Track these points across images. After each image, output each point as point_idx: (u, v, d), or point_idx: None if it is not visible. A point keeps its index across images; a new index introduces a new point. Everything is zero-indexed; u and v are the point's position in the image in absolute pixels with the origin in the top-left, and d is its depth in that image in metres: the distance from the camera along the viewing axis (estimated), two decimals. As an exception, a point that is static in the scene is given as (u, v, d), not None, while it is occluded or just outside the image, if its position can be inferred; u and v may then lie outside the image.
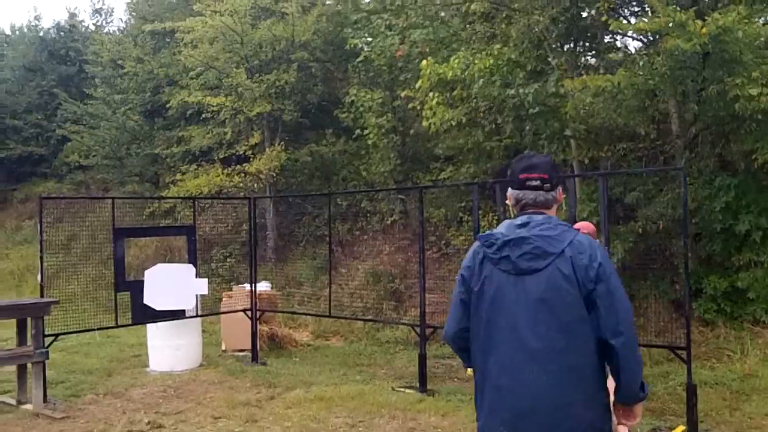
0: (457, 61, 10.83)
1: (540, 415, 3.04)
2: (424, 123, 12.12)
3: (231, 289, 12.45)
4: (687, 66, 9.08)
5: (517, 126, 11.01)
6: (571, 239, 3.11)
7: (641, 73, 9.24)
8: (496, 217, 12.18)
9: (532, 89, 9.88)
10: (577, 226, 6.33)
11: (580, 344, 3.05)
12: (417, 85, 11.93)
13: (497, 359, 3.13)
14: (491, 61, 10.49)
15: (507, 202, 3.41)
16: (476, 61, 10.57)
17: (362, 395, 8.20)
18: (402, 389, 8.56)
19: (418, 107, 12.62)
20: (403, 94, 13.49)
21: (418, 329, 9.04)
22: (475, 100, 11.06)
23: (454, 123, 11.41)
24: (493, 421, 3.14)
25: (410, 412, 7.56)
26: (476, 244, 3.30)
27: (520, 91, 10.11)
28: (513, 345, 3.09)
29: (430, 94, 11.78)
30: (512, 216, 3.35)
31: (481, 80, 10.39)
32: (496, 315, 3.14)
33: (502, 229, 3.24)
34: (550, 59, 11.12)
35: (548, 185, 3.27)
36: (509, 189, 3.36)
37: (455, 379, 9.27)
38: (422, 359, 8.65)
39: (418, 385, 8.56)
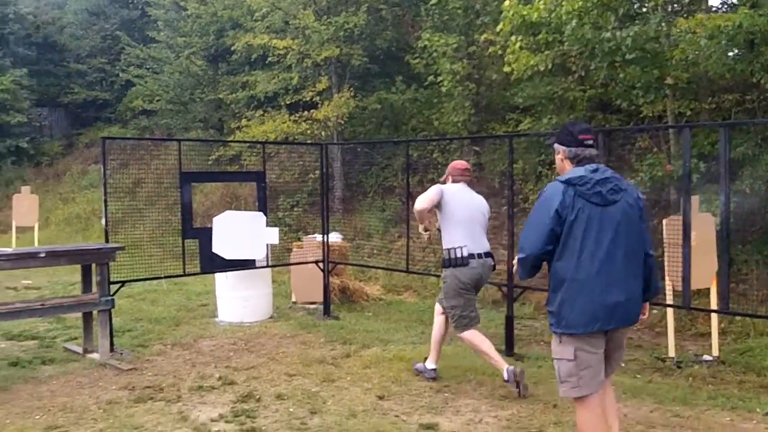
0: (542, 2, 10.10)
1: (631, 301, 4.31)
2: (506, 68, 11.44)
3: (299, 239, 12.01)
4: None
5: (610, 73, 10.23)
6: (624, 180, 4.44)
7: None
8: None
9: (631, 32, 9.10)
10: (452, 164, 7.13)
11: (639, 252, 4.37)
12: (498, 28, 11.24)
13: (590, 269, 4.20)
14: (580, 3, 9.73)
15: (558, 156, 4.53)
16: (564, 3, 9.83)
17: (444, 357, 7.65)
18: (486, 352, 8.02)
19: (499, 52, 11.93)
20: (482, 38, 12.80)
21: (504, 289, 8.47)
22: (565, 44, 10.30)
23: (542, 68, 10.68)
24: (594, 316, 4.20)
25: (498, 377, 6.98)
26: (559, 186, 4.28)
27: (617, 34, 9.36)
28: (604, 257, 4.21)
29: (512, 38, 11.07)
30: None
31: (574, 21, 9.65)
32: (588, 237, 4.22)
33: (581, 172, 4.31)
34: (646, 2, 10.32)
35: (595, 144, 4.53)
36: (564, 146, 4.48)
37: (541, 343, 8.69)
38: (510, 321, 8.08)
39: (504, 348, 8.00)
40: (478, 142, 13.92)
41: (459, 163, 7.14)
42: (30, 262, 7.75)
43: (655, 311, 9.42)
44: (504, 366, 6.51)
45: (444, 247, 6.73)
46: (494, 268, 7.01)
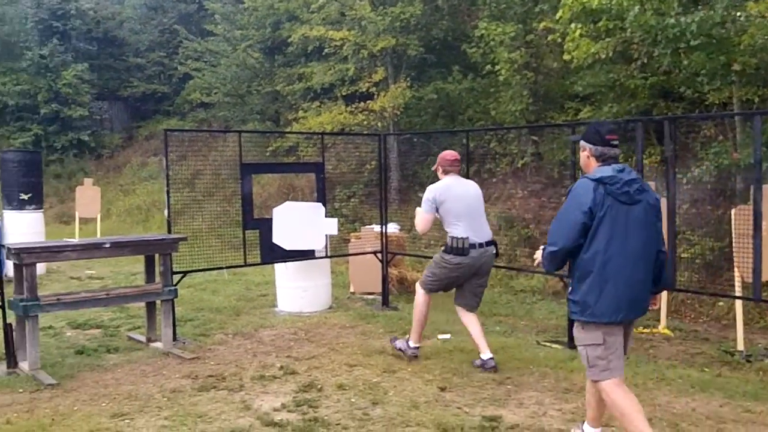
0: (603, -12, 9.91)
1: (645, 291, 4.68)
2: (566, 56, 11.27)
3: (356, 230, 12.01)
4: None
5: (674, 60, 10.00)
6: (644, 182, 4.72)
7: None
8: (654, 158, 11.16)
9: (696, 17, 8.87)
10: (442, 154, 7.30)
11: (654, 249, 4.67)
12: (557, 16, 11.07)
13: (617, 263, 4.50)
14: (643, -11, 9.53)
15: (584, 153, 4.75)
16: (625, -11, 9.63)
17: (506, 348, 7.62)
18: (548, 344, 7.92)
19: (558, 40, 11.75)
20: (541, 26, 12.63)
21: (566, 279, 8.36)
22: (628, 31, 10.09)
23: (602, 56, 10.49)
24: (619, 306, 4.53)
25: (561, 370, 6.93)
26: (589, 184, 4.54)
27: (681, 20, 9.13)
28: (629, 252, 4.52)
29: (572, 26, 10.89)
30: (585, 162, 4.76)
31: (636, 8, 9.45)
32: (615, 233, 4.51)
33: (610, 172, 4.55)
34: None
35: (619, 144, 4.73)
36: (591, 144, 4.72)
37: (603, 334, 8.57)
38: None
39: (566, 340, 7.89)
40: (537, 131, 13.76)
41: (449, 154, 7.30)
42: (95, 252, 7.89)
43: (720, 303, 9.24)
44: (417, 340, 7.30)
45: (448, 235, 7.00)
46: (497, 255, 7.32)
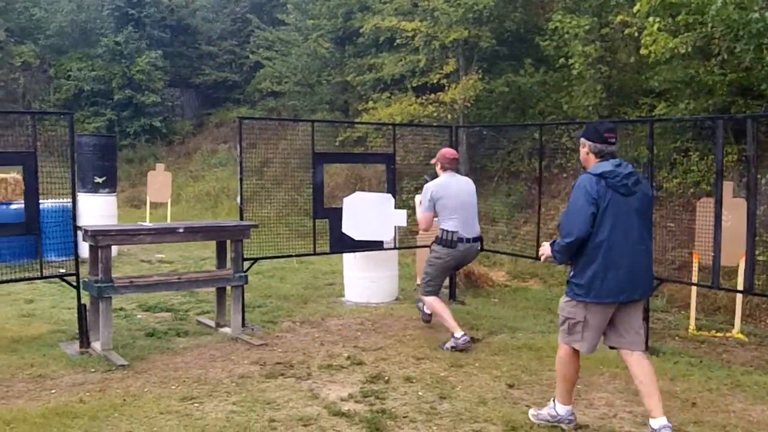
0: (683, -18, 9.68)
1: (644, 273, 5.15)
2: (643, 51, 11.04)
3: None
4: None
5: (757, 56, 9.72)
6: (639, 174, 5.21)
7: None
8: (733, 157, 10.86)
9: (783, 12, 8.62)
10: (442, 152, 8.00)
11: (650, 234, 5.20)
12: (635, 9, 10.86)
13: (619, 250, 4.98)
14: (725, -18, 9.26)
15: (584, 149, 5.23)
16: (707, -18, 9.39)
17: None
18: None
19: (635, 33, 11.52)
20: (618, 19, 12.40)
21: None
22: (709, 26, 9.84)
23: (681, 51, 10.25)
24: (622, 289, 5.01)
25: (632, 370, 6.80)
26: (592, 179, 5.01)
27: (765, 14, 8.87)
28: (629, 238, 5.01)
29: (650, 19, 10.66)
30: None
31: (718, 2, 9.19)
32: (617, 222, 4.99)
33: (609, 167, 5.02)
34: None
35: (617, 141, 5.19)
36: (590, 142, 5.18)
37: (676, 338, 8.38)
38: (645, 314, 7.73)
39: (637, 340, 7.75)
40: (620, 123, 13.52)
41: (449, 152, 7.99)
42: (169, 237, 8.01)
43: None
44: (457, 329, 7.42)
45: (440, 227, 7.66)
46: (482, 249, 8.29)
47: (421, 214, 7.80)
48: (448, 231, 7.57)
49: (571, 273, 5.20)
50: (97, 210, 12.99)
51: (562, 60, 14.02)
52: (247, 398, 5.90)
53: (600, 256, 4.97)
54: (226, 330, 8.09)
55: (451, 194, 7.64)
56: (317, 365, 6.85)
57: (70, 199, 7.50)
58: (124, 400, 5.82)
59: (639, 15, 10.95)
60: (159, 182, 16.61)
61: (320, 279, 11.41)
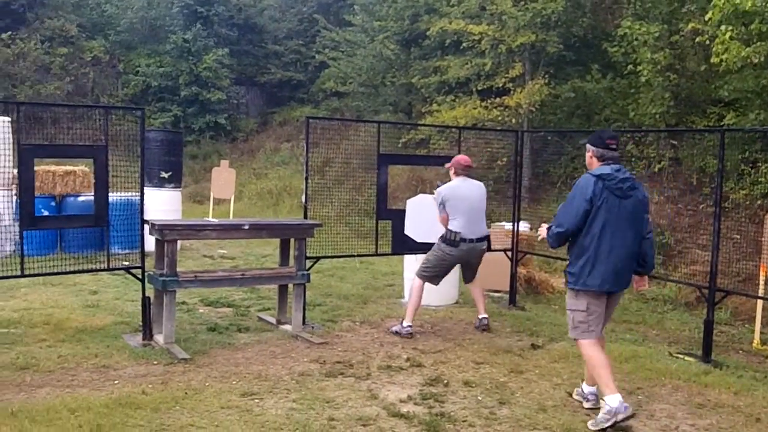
0: (757, -10, 9.48)
1: (626, 271, 5.68)
2: (714, 59, 10.85)
3: (488, 227, 11.90)
4: None
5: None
6: (637, 181, 5.69)
7: None
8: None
9: None
10: (456, 158, 8.42)
11: (640, 236, 5.66)
12: (707, 17, 10.68)
13: (607, 245, 5.51)
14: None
15: (588, 154, 5.77)
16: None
17: (636, 358, 7.39)
18: (681, 356, 7.63)
19: (707, 42, 11.32)
20: (689, 27, 12.19)
21: (704, 291, 8.02)
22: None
23: (754, 60, 10.04)
24: (605, 280, 5.55)
25: (695, 384, 6.68)
26: (591, 179, 5.52)
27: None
28: (617, 237, 5.52)
29: (722, 28, 10.48)
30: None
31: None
32: (609, 220, 5.50)
33: (608, 170, 5.54)
34: None
35: (618, 148, 5.76)
36: (594, 147, 5.70)
37: (740, 351, 8.21)
38: (709, 326, 7.62)
39: (700, 353, 7.61)
40: (677, 135, 13.30)
41: (463, 159, 8.39)
42: (234, 233, 8.11)
43: None
44: (409, 320, 8.09)
45: (447, 227, 8.13)
46: (489, 249, 8.80)
47: (438, 216, 8.27)
48: (452, 231, 8.07)
49: (568, 263, 5.78)
50: (162, 205, 13.15)
51: (630, 67, 13.84)
52: (306, 396, 5.95)
53: (591, 249, 5.54)
54: (287, 327, 8.16)
55: (459, 196, 8.12)
56: (377, 366, 6.88)
57: (136, 193, 7.64)
58: (186, 393, 5.91)
59: (711, 23, 10.77)
60: (223, 179, 16.79)
61: (380, 280, 11.44)
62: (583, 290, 5.61)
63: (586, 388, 6.03)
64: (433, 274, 8.30)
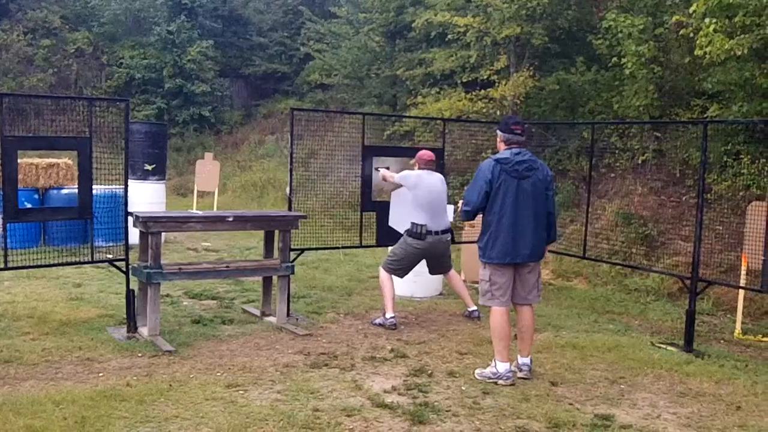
0: (741, -17, 9.53)
1: (534, 246, 6.27)
2: (698, 52, 10.88)
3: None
4: None
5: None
6: (539, 162, 6.35)
7: None
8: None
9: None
10: (419, 153, 8.70)
11: (542, 213, 6.30)
12: (691, 10, 10.71)
13: (507, 222, 6.16)
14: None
15: (498, 138, 6.43)
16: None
17: (619, 348, 7.46)
18: (663, 346, 7.70)
19: (691, 35, 11.37)
20: (673, 20, 12.23)
21: (686, 281, 8.09)
22: (766, 28, 9.67)
23: (738, 53, 10.09)
24: (506, 252, 6.20)
25: (677, 373, 6.76)
26: (491, 162, 6.23)
27: (826, 17, 8.70)
28: (516, 214, 6.15)
29: (706, 20, 10.53)
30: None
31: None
32: (507, 200, 6.15)
33: (507, 155, 6.21)
34: None
35: (523, 133, 6.32)
36: (501, 132, 6.38)
37: (722, 341, 8.28)
38: (691, 316, 7.70)
39: (682, 343, 7.67)
40: (661, 127, 13.37)
41: (426, 154, 8.66)
42: (218, 225, 8.12)
43: None
44: (390, 311, 8.16)
45: (410, 221, 8.29)
46: (453, 240, 9.17)
47: (391, 180, 8.55)
48: (417, 224, 8.23)
49: (477, 238, 6.48)
50: (146, 197, 13.11)
51: (614, 59, 13.87)
52: (291, 387, 5.98)
53: (493, 226, 6.23)
54: (271, 319, 8.18)
55: (423, 187, 8.30)
56: (361, 357, 6.92)
57: (120, 185, 7.62)
58: (170, 385, 5.93)
59: (695, 16, 10.80)
60: (207, 171, 16.74)
61: (364, 272, 11.46)
62: (488, 262, 6.30)
63: (521, 359, 6.50)
64: (398, 267, 8.44)
